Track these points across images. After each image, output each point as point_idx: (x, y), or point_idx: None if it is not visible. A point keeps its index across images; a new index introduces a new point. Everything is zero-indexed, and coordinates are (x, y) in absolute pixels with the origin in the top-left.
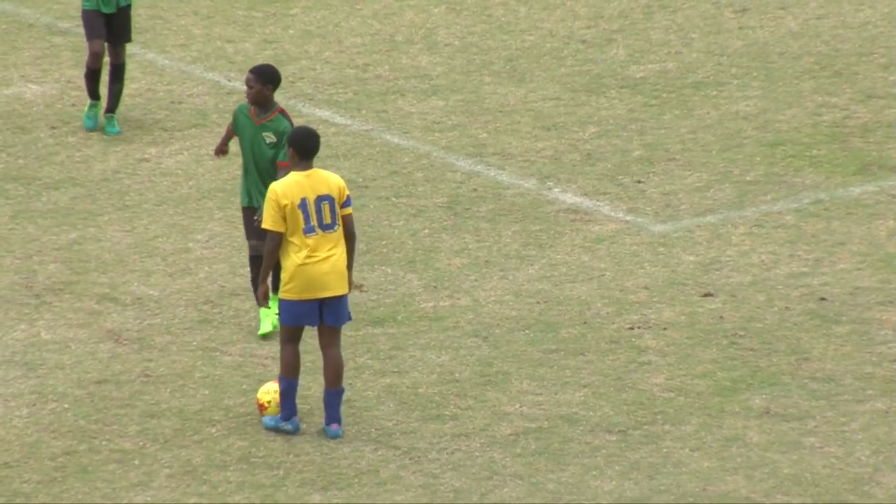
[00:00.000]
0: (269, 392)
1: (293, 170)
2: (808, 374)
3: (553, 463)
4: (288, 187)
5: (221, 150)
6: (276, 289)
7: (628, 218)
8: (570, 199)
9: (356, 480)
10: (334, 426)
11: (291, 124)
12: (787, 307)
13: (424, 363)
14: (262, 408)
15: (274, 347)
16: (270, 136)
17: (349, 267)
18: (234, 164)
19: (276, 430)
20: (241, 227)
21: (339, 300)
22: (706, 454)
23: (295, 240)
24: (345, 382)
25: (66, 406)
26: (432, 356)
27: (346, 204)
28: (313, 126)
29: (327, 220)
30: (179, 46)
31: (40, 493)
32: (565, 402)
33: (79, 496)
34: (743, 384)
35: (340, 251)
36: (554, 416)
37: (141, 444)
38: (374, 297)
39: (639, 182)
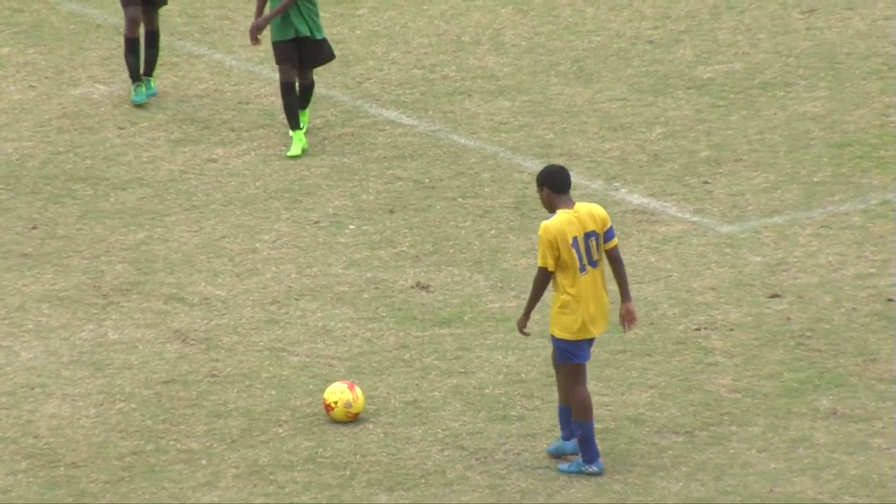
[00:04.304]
0: (336, 392)
1: (557, 208)
2: (876, 376)
3: (619, 464)
4: (562, 227)
5: (255, 35)
6: (303, 105)
7: (695, 219)
8: (636, 199)
9: (423, 481)
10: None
11: None
12: (854, 308)
13: (491, 364)
14: (328, 408)
15: (341, 348)
16: None
17: (628, 296)
18: (301, 164)
19: (580, 473)
20: (308, 227)
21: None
22: (773, 455)
23: (570, 280)
24: (411, 383)
25: (133, 406)
26: (499, 357)
27: (610, 235)
28: (381, 127)
29: (594, 256)
30: (247, 47)
31: (108, 493)
32: (632, 403)
33: (146, 496)
34: (810, 385)
35: (605, 285)
36: (620, 417)
37: (208, 444)
38: (440, 297)
39: (706, 183)
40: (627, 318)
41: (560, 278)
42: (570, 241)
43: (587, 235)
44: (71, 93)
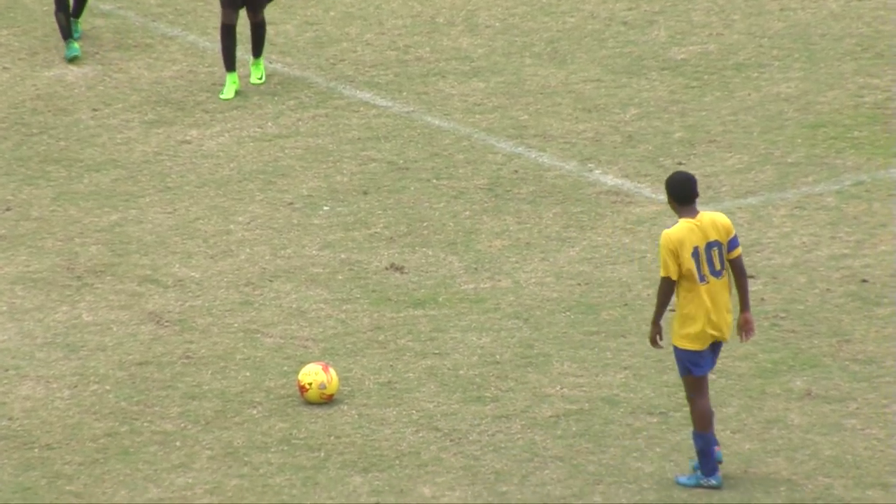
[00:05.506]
0: (310, 374)
1: (680, 216)
2: (850, 356)
3: (594, 445)
4: (682, 235)
5: None
6: (256, 52)
7: None
8: (610, 180)
9: (397, 462)
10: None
11: None
12: (828, 289)
13: (465, 345)
14: (302, 389)
15: (315, 329)
16: None
17: (747, 306)
18: (275, 146)
19: (698, 486)
20: (282, 208)
21: (721, 344)
22: (747, 436)
23: (690, 289)
24: (385, 364)
25: (107, 388)
26: (473, 338)
27: (733, 245)
28: (355, 108)
29: (717, 266)
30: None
31: (82, 475)
32: (606, 384)
33: (120, 477)
34: (784, 366)
35: (728, 296)
36: (595, 398)
37: (182, 425)
38: (414, 278)
39: (680, 164)
40: (745, 328)
41: (680, 287)
42: (691, 251)
43: (709, 245)
44: (45, 74)
